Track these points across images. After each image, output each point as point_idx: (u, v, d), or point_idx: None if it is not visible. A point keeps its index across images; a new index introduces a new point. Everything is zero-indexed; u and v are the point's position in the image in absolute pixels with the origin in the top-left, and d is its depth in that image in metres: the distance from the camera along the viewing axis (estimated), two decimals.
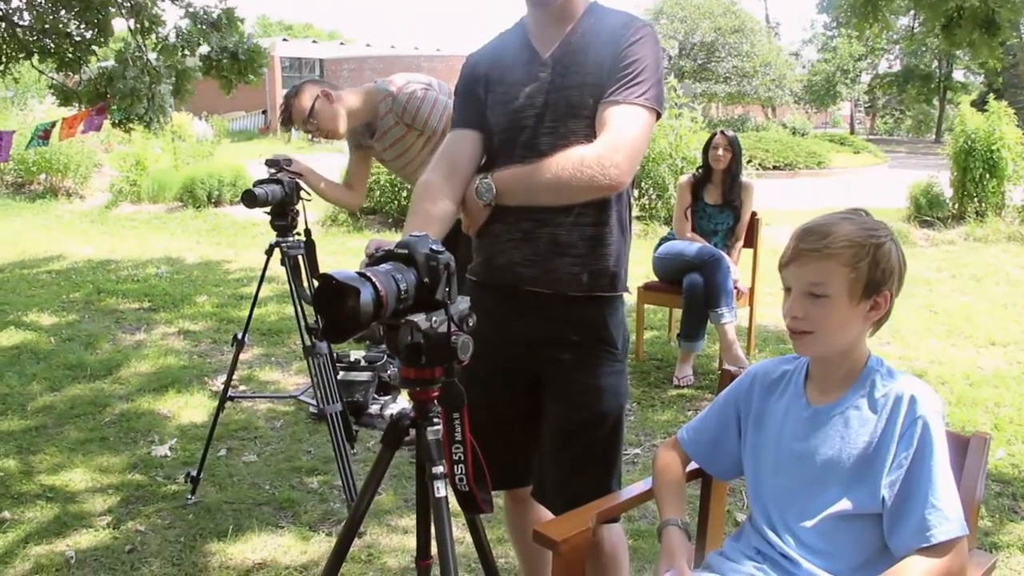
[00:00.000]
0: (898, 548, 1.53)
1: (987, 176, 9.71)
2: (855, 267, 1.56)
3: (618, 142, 1.88)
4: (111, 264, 8.55)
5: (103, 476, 3.66)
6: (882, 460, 1.56)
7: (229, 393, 3.44)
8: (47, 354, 5.42)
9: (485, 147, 2.08)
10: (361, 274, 1.49)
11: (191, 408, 4.46)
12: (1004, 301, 6.72)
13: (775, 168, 17.32)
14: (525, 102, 2.00)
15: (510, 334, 2.04)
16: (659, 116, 1.97)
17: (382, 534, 3.14)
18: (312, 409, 4.14)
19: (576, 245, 1.97)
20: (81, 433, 4.13)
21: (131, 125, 7.22)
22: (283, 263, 3.27)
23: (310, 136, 3.58)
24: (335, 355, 4.33)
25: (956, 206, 9.95)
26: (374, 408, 4.21)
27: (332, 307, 1.47)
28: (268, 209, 3.23)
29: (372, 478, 1.71)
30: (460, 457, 1.58)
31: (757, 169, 15.31)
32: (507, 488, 2.27)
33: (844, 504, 1.59)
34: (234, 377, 4.76)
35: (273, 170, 3.27)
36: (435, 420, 1.61)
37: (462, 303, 1.60)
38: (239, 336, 3.39)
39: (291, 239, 3.28)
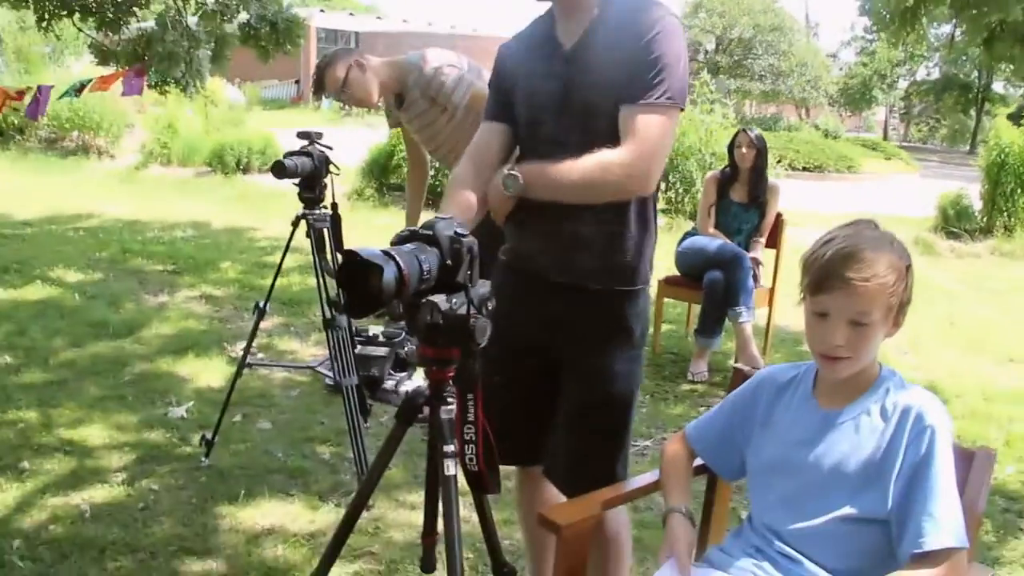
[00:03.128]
0: (901, 557, 1.56)
1: (1019, 191, 9.62)
2: (896, 293, 1.57)
3: (645, 150, 1.89)
4: (138, 225, 8.64)
5: (120, 433, 3.73)
6: (890, 466, 1.58)
7: (247, 360, 3.49)
8: (71, 310, 5.50)
9: (514, 139, 2.10)
10: (385, 252, 1.52)
11: (209, 372, 4.52)
12: None
13: (804, 169, 17.20)
14: (546, 98, 2.01)
15: (533, 316, 2.08)
16: (683, 109, 1.98)
17: (390, 508, 3.18)
18: (328, 381, 4.18)
19: (596, 240, 1.99)
20: (101, 390, 4.20)
21: (167, 88, 7.30)
22: (308, 235, 3.31)
23: (342, 105, 3.63)
24: (354, 329, 4.38)
25: (985, 219, 9.87)
26: (389, 384, 4.25)
27: (355, 283, 1.51)
28: (297, 181, 3.27)
29: (384, 452, 1.75)
30: (472, 438, 1.61)
31: (787, 169, 15.24)
32: (521, 463, 2.31)
33: (850, 509, 1.60)
34: (254, 345, 4.85)
35: (305, 142, 3.31)
36: (449, 400, 1.64)
37: (483, 287, 1.63)
38: (260, 305, 3.43)
39: (318, 212, 3.31)
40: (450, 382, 1.64)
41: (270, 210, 9.66)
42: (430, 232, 1.60)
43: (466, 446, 1.62)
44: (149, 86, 7.34)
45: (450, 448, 1.61)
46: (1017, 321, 6.57)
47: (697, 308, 4.95)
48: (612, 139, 1.91)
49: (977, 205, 9.98)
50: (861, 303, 1.55)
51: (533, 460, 2.23)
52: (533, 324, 2.09)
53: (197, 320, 5.47)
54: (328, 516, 3.11)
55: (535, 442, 2.20)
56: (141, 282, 6.41)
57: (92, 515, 3.04)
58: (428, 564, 1.81)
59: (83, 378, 4.35)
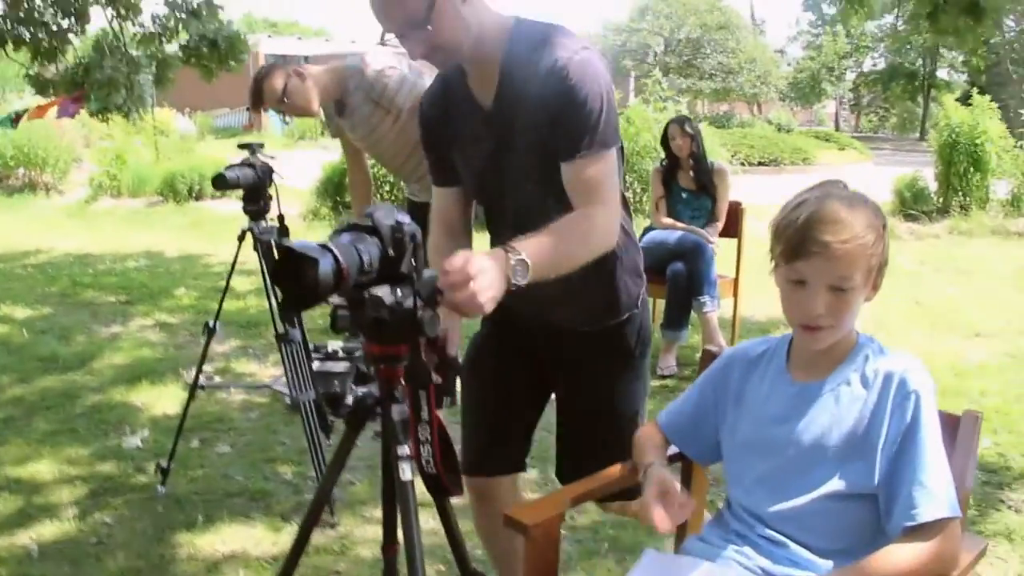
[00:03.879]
0: (892, 531, 1.47)
1: (971, 170, 9.69)
2: (875, 253, 1.48)
3: (610, 206, 1.79)
4: (89, 258, 8.42)
5: (71, 467, 3.57)
6: (875, 437, 1.50)
7: (201, 382, 3.35)
8: (19, 347, 5.31)
9: (468, 195, 2.03)
10: (322, 245, 1.42)
11: (165, 400, 4.36)
12: (989, 293, 6.70)
13: (760, 164, 17.27)
14: (484, 161, 1.89)
15: (525, 358, 2.09)
16: (622, 147, 1.88)
17: (356, 525, 3.06)
18: (288, 400, 4.05)
19: (569, 296, 1.86)
20: (50, 425, 4.03)
21: (109, 115, 7.13)
22: (256, 249, 3.19)
23: (282, 116, 3.51)
24: (312, 346, 4.25)
25: (941, 200, 9.93)
26: (351, 399, 4.12)
27: (291, 278, 1.41)
28: (240, 194, 3.15)
29: (336, 460, 1.65)
30: (427, 438, 1.51)
31: (742, 165, 15.30)
32: (514, 470, 2.21)
33: (836, 483, 1.51)
34: (210, 368, 4.71)
35: (246, 153, 3.19)
36: (401, 399, 1.54)
37: (428, 274, 1.53)
38: (210, 324, 3.30)
39: (264, 224, 3.19)
40: (401, 380, 1.54)
41: (224, 235, 9.43)
42: (369, 222, 1.49)
43: (421, 447, 1.51)
44: (90, 114, 7.17)
45: (404, 451, 1.51)
46: (980, 297, 6.58)
47: (662, 303, 4.87)
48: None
49: (932, 187, 10.05)
50: (841, 267, 1.45)
51: (520, 467, 2.20)
52: (527, 363, 2.08)
53: (152, 348, 5.31)
54: (291, 537, 2.95)
55: (524, 448, 2.18)
56: (93, 314, 6.22)
57: (41, 554, 2.89)
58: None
59: (32, 414, 4.18)
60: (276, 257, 1.40)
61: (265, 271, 3.17)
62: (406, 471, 1.50)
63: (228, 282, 3.34)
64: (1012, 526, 3.12)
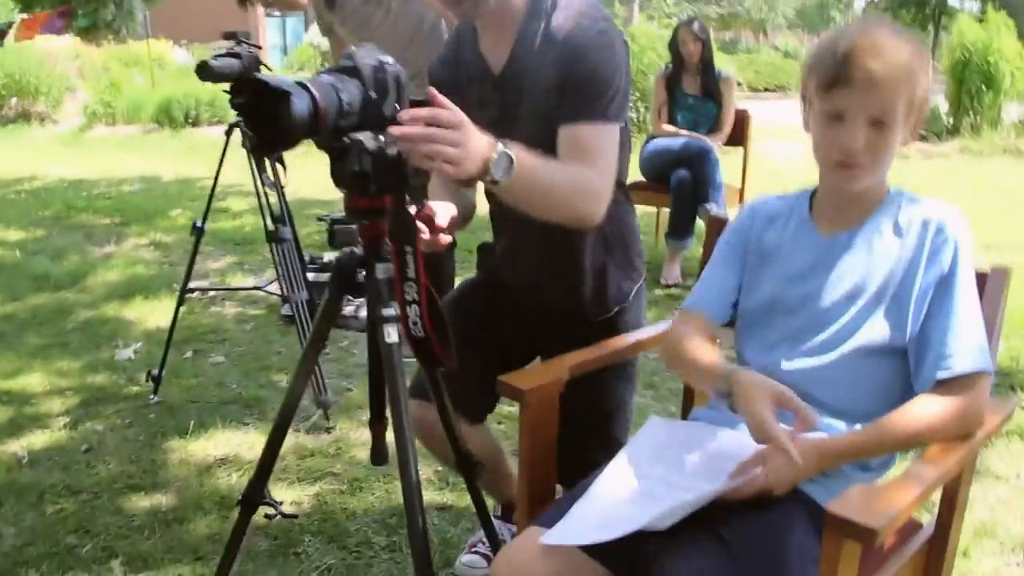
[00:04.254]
0: (921, 387, 1.37)
1: (983, 89, 9.47)
2: (920, 85, 1.35)
3: (603, 176, 1.65)
4: (84, 183, 8.27)
5: (62, 379, 3.48)
6: (909, 286, 1.39)
7: (190, 285, 3.24)
8: (11, 267, 5.21)
9: None
10: (298, 82, 1.29)
11: (159, 314, 4.26)
12: (1000, 209, 6.55)
13: (766, 90, 16.99)
14: (488, 127, 1.75)
15: (521, 301, 1.95)
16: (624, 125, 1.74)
17: (352, 428, 2.98)
18: (284, 311, 3.96)
19: (554, 279, 1.78)
20: (42, 339, 3.94)
21: (99, 35, 6.92)
22: (244, 145, 3.05)
23: (268, 10, 3.34)
24: (308, 257, 4.15)
25: (951, 120, 9.72)
26: (348, 309, 4.02)
27: (263, 117, 1.28)
28: (227, 87, 3.00)
29: (318, 331, 1.53)
30: (414, 298, 1.39)
31: (749, 90, 15.03)
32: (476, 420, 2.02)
33: (865, 336, 1.40)
34: (206, 284, 4.61)
35: (231, 43, 3.03)
36: (386, 257, 1.42)
37: None
38: (198, 224, 3.18)
39: None
40: (386, 238, 1.42)
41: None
42: (350, 62, 1.36)
43: (408, 307, 1.40)
44: (77, 34, 6.96)
45: (390, 312, 1.40)
46: (991, 212, 6.44)
47: (666, 213, 4.74)
48: None
49: (943, 107, 9.83)
50: (884, 96, 1.32)
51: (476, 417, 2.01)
52: (512, 327, 1.94)
53: (146, 266, 5.20)
54: (286, 442, 2.87)
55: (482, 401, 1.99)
56: (87, 235, 6.11)
57: (30, 460, 2.81)
58: (378, 455, 1.60)
59: (23, 330, 4.08)
60: (247, 92, 1.27)
61: (253, 167, 3.04)
62: (391, 334, 1.39)
63: (217, 176, 3.21)
64: None
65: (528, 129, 1.71)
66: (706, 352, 1.48)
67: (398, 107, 1.36)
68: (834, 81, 1.34)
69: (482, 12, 1.69)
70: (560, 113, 1.65)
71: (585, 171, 1.62)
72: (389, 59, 1.37)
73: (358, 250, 1.45)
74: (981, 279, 1.48)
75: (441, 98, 1.35)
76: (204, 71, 2.88)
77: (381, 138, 1.34)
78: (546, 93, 1.67)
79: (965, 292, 1.35)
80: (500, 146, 1.44)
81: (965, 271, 1.36)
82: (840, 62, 1.33)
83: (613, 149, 1.68)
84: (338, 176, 1.38)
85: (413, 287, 1.38)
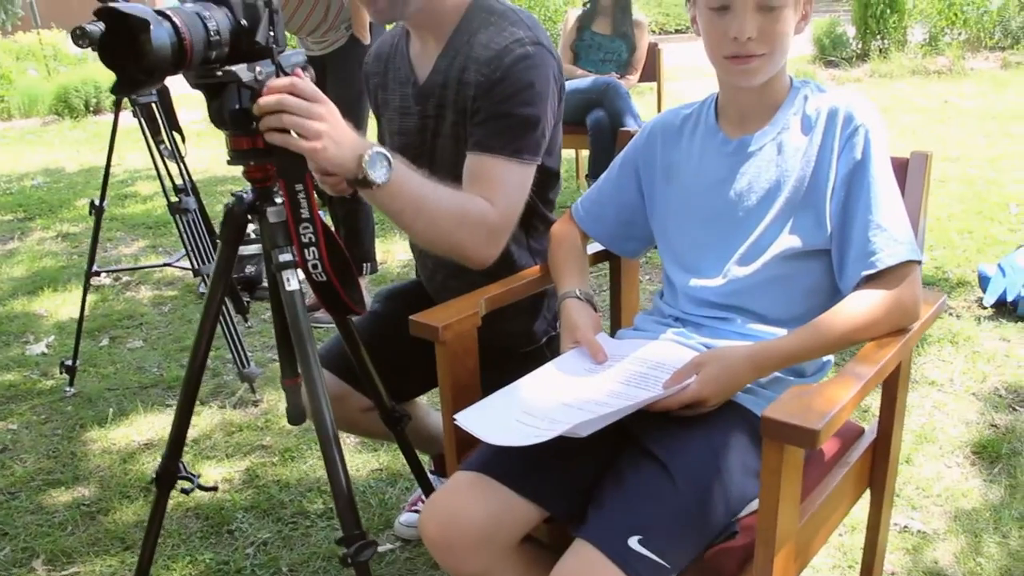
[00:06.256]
0: (847, 286, 1.32)
1: (888, 12, 9.56)
2: None
3: (503, 218, 1.52)
4: None
5: None
6: (823, 181, 1.32)
7: (95, 268, 3.09)
8: None
9: None
10: (158, 11, 1.19)
11: (70, 305, 4.07)
12: (913, 126, 6.64)
13: (676, 32, 16.96)
14: (407, 141, 1.67)
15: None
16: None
17: (280, 400, 2.87)
18: (201, 289, 3.82)
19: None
20: None
21: None
22: (135, 116, 2.90)
23: None
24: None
25: (859, 45, 9.81)
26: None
27: (125, 52, 1.18)
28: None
29: (214, 286, 1.43)
30: (312, 239, 1.30)
31: (658, 34, 14.98)
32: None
33: (786, 241, 1.34)
34: (117, 266, 4.42)
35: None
36: (277, 200, 1.32)
37: (295, 56, 1.30)
38: (96, 202, 3.03)
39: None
40: (275, 178, 1.32)
41: (127, 145, 8.95)
42: None
43: (306, 250, 1.30)
44: None
45: (287, 257, 1.30)
46: (904, 130, 6.54)
47: (585, 154, 4.67)
48: None
49: (851, 32, 9.91)
50: None
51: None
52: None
53: (54, 258, 4.97)
54: (212, 419, 2.79)
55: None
56: None
57: None
58: (294, 414, 1.51)
59: None
60: (102, 26, 1.16)
61: (148, 138, 2.89)
62: (291, 280, 1.30)
63: (111, 151, 3.06)
64: (955, 330, 3.08)
65: (448, 146, 1.61)
66: (568, 269, 1.56)
67: (272, 34, 1.25)
68: None
69: (401, 14, 1.56)
70: (471, 139, 1.54)
71: (481, 204, 1.49)
72: None
73: (247, 196, 1.34)
74: (902, 165, 1.43)
75: (303, 74, 1.26)
76: (79, 36, 2.70)
77: (258, 69, 1.24)
78: (462, 115, 1.57)
79: (882, 180, 1.30)
80: (377, 146, 1.34)
81: (880, 159, 1.30)
82: None
83: (519, 190, 1.54)
84: (217, 116, 1.28)
85: (309, 228, 1.29)
